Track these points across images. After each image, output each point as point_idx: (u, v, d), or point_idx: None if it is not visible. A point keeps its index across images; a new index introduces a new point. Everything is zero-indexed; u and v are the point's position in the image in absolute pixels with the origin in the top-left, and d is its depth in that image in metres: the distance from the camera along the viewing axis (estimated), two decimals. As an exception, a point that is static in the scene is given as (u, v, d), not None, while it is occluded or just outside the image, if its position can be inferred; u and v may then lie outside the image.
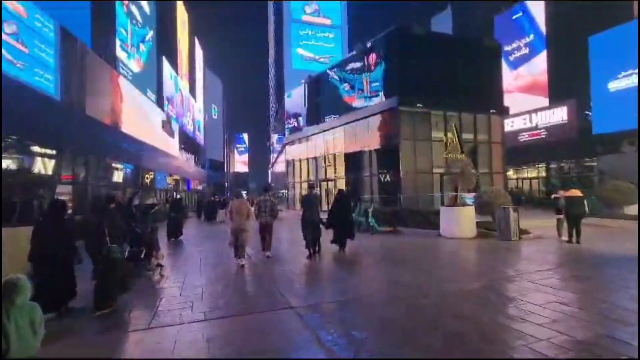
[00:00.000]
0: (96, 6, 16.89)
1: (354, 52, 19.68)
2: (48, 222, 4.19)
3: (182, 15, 38.15)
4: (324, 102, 22.73)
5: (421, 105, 15.96)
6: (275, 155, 50.03)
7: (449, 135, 16.53)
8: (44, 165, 12.72)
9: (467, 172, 9.94)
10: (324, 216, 8.18)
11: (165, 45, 30.47)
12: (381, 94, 17.18)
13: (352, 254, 7.97)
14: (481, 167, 16.71)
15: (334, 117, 20.98)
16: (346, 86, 20.24)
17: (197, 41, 46.86)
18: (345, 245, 8.05)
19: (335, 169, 20.90)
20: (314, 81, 23.82)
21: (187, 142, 38.71)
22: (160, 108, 27.77)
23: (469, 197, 12.28)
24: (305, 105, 25.38)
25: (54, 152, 13.26)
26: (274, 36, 54.11)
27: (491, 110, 17.56)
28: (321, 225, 7.85)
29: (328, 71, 22.39)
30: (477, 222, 9.89)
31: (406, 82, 16.03)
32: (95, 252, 4.90)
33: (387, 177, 16.62)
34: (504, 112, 18.29)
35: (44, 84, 12.66)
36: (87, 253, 5.16)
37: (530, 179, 29.30)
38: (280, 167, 42.52)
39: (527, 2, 31.25)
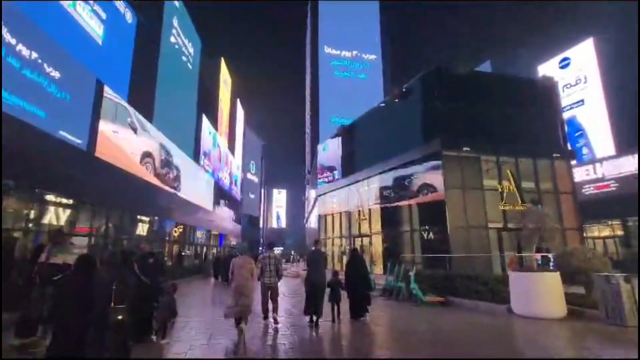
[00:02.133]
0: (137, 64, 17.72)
1: (390, 96, 18.57)
2: (73, 278, 3.94)
3: (224, 75, 40.65)
4: (358, 151, 21.39)
5: (468, 149, 13.87)
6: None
7: (505, 183, 13.99)
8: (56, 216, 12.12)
9: (549, 225, 7.33)
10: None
11: (206, 103, 32.00)
12: (421, 139, 15.42)
13: (386, 331, 5.69)
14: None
15: (368, 168, 19.32)
16: (381, 133, 18.84)
17: (238, 102, 49.77)
18: (361, 315, 6.83)
19: (370, 223, 18.67)
20: (348, 130, 22.83)
21: (223, 197, 38.78)
22: (196, 162, 28.12)
23: (541, 260, 9.43)
24: (339, 156, 24.21)
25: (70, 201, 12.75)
26: (310, 87, 55.95)
27: (554, 155, 14.92)
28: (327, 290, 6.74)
29: (362, 119, 21.40)
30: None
31: (450, 124, 14.23)
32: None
33: (432, 233, 14.09)
34: (570, 156, 15.52)
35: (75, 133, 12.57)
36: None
37: (603, 238, 24.53)
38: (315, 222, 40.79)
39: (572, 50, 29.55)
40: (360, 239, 19.46)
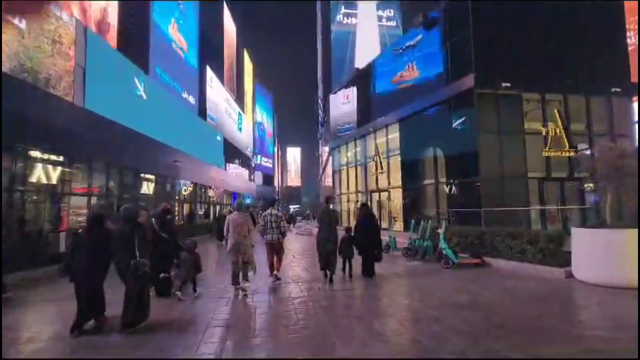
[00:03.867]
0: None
1: (413, 27, 15.94)
2: (87, 235, 4.09)
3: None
4: (375, 98, 19.17)
5: (508, 85, 11.65)
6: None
7: (550, 125, 11.88)
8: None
9: (631, 168, 5.44)
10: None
11: (209, 53, 29.80)
12: (449, 76, 13.17)
13: (408, 298, 4.37)
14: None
15: (387, 115, 17.26)
16: (403, 73, 16.48)
17: (245, 53, 46.82)
18: (373, 274, 6.79)
19: (389, 177, 17.08)
20: (364, 75, 20.44)
21: (235, 154, 37.70)
22: (201, 117, 26.60)
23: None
24: (354, 106, 22.09)
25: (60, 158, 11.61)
26: (321, 33, 51.54)
27: (613, 89, 12.48)
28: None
29: (379, 60, 18.92)
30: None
31: (485, 56, 11.84)
32: (124, 267, 4.25)
33: (460, 185, 12.43)
34: (632, 91, 12.99)
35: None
36: (115, 267, 4.36)
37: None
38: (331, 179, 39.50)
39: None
40: (377, 193, 18.04)
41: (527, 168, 11.67)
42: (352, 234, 7.02)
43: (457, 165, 12.70)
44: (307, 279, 6.99)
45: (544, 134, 11.82)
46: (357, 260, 6.87)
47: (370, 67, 19.97)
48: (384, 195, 17.48)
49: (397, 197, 16.50)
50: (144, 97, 16.81)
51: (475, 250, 8.13)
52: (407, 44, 16.16)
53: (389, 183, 16.98)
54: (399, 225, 15.01)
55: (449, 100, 12.78)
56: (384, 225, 17.05)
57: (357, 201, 20.12)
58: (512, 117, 11.90)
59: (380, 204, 17.81)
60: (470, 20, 12.04)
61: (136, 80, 16.15)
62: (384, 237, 12.09)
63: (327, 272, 6.47)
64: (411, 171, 15.49)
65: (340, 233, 6.92)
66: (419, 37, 15.39)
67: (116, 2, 15.34)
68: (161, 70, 20.10)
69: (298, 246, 12.79)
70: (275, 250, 6.54)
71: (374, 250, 6.92)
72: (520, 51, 12.11)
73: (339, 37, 51.42)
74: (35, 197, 10.69)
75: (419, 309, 4.73)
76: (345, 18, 53.12)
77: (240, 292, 5.57)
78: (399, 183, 16.20)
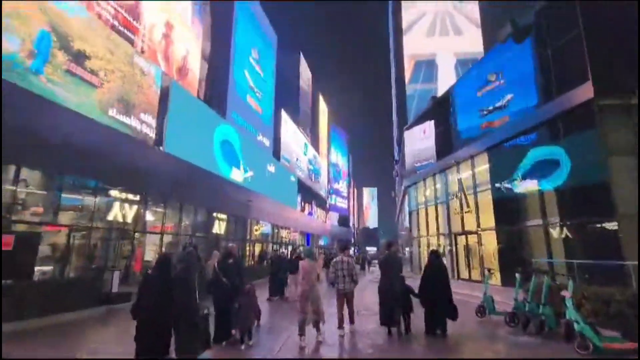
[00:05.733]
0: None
1: (499, 40, 13.84)
2: (154, 276, 4.19)
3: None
4: (456, 126, 16.97)
5: (645, 92, 8.69)
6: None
7: None
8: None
9: None
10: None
11: (284, 97, 31.34)
12: (553, 90, 10.63)
13: None
14: None
15: (471, 145, 14.87)
16: (487, 94, 14.23)
17: (321, 97, 48.67)
18: (438, 329, 5.95)
19: (478, 216, 14.25)
20: (440, 103, 18.55)
21: (309, 195, 37.75)
22: (276, 158, 27.26)
23: None
24: (432, 140, 20.07)
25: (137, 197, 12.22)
26: (395, 67, 50.67)
27: None
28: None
29: (459, 83, 16.97)
30: None
31: (605, 59, 9.19)
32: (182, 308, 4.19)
33: (582, 227, 9.32)
34: None
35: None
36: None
37: None
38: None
39: None
40: (464, 237, 15.15)
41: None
42: (420, 285, 6.41)
43: (575, 200, 9.67)
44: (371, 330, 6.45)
45: None
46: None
47: (448, 95, 18.06)
48: (473, 238, 14.54)
49: (490, 241, 13.48)
50: (220, 140, 17.60)
51: (629, 327, 5.33)
52: (499, 60, 14.02)
53: (478, 224, 14.10)
54: (494, 279, 11.96)
55: (556, 118, 10.13)
56: (475, 277, 13.97)
57: (439, 245, 17.31)
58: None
59: (468, 249, 14.84)
60: (579, 17, 9.63)
61: (213, 125, 17.05)
62: (476, 294, 9.63)
63: (390, 327, 6.07)
64: (507, 209, 12.58)
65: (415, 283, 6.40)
66: (506, 51, 13.24)
67: (198, 50, 16.80)
68: (237, 115, 21.25)
69: (368, 296, 10.85)
70: (347, 299, 6.24)
71: (443, 305, 6.09)
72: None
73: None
74: (111, 235, 11.18)
75: None
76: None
77: (303, 340, 5.37)
78: (492, 224, 13.28)
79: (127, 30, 11.91)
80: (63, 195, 9.29)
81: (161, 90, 13.04)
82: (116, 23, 11.40)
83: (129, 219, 11.59)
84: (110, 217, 10.88)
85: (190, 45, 16.20)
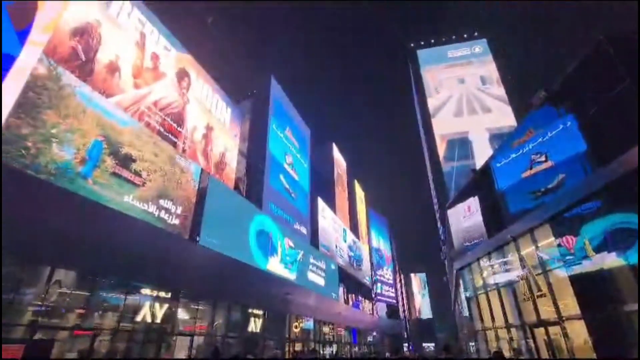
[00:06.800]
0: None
1: (535, 105, 13.45)
2: None
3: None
4: (507, 194, 15.61)
5: None
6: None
7: None
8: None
9: None
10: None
11: (319, 185, 31.94)
12: (616, 143, 9.53)
13: None
14: None
15: (528, 216, 13.33)
16: (539, 155, 13.35)
17: (356, 183, 49.32)
18: None
19: (554, 301, 11.78)
20: (483, 173, 17.54)
21: (353, 285, 35.16)
22: (314, 246, 26.36)
23: None
24: (479, 216, 18.56)
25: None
26: (426, 143, 50.77)
27: None
28: None
29: (501, 150, 16.22)
30: None
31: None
32: None
33: None
34: None
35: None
36: None
37: None
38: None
39: None
40: (542, 328, 12.37)
41: None
42: None
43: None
44: None
45: None
46: None
47: (488, 168, 17.18)
48: (555, 330, 11.77)
49: (578, 332, 10.77)
50: (256, 230, 17.48)
51: None
52: (537, 128, 13.59)
53: (559, 311, 11.55)
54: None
55: (631, 174, 8.78)
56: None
57: (511, 339, 14.28)
58: None
59: (550, 344, 11.93)
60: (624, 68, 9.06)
61: (250, 217, 17.18)
62: None
63: None
64: (593, 290, 10.29)
65: None
66: (545, 127, 12.82)
67: (235, 147, 17.97)
68: (274, 206, 21.51)
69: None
70: None
71: None
72: None
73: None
74: (140, 336, 10.43)
75: None
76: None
77: None
78: (577, 310, 10.79)
79: (171, 135, 13.16)
80: (92, 295, 9.04)
81: (199, 187, 13.63)
82: (162, 129, 12.66)
83: (158, 319, 10.92)
84: (138, 318, 10.32)
85: (228, 143, 17.52)
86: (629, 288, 9.12)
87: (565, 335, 11.14)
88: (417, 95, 48.60)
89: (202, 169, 13.98)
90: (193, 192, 13.13)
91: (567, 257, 11.21)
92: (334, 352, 24.59)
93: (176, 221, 12.05)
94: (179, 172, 12.57)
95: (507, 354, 13.70)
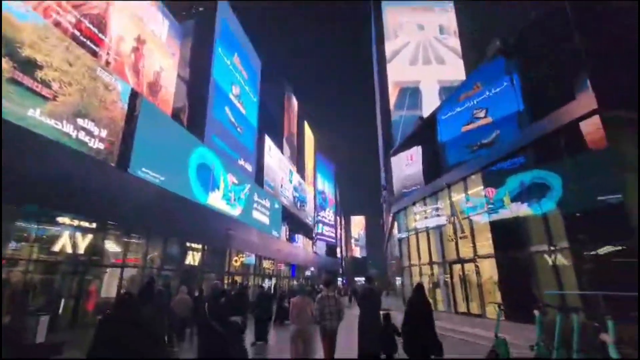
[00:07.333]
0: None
1: (489, 56, 13.60)
2: (115, 318, 3.41)
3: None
4: (446, 146, 16.34)
5: (652, 104, 8.08)
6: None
7: None
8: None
9: None
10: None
11: (267, 123, 30.68)
12: (544, 103, 10.03)
13: None
14: None
15: (463, 165, 14.17)
16: (480, 111, 13.84)
17: (306, 124, 48.46)
18: None
19: (473, 243, 13.19)
20: (429, 123, 18.01)
21: (294, 224, 36.22)
22: (259, 184, 25.99)
23: None
24: (420, 165, 19.38)
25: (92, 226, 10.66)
26: (379, 85, 50.78)
27: None
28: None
29: (448, 101, 16.58)
30: None
31: (607, 71, 8.65)
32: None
33: (595, 252, 8.33)
34: None
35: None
36: None
37: None
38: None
39: None
40: (459, 265, 13.97)
41: None
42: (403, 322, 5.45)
43: (585, 223, 8.75)
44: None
45: None
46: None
47: (434, 120, 17.59)
48: (470, 267, 13.37)
49: (488, 269, 12.35)
50: (196, 163, 16.36)
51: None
52: (488, 78, 13.89)
53: (475, 251, 13.01)
54: (490, 312, 10.69)
55: (559, 131, 9.42)
56: (474, 310, 12.68)
57: (432, 274, 16.05)
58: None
59: (465, 279, 13.63)
60: (576, 27, 9.19)
61: (189, 148, 15.87)
62: (478, 331, 8.52)
63: None
64: (507, 234, 11.59)
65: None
66: (491, 84, 13.05)
67: (174, 69, 15.91)
68: (218, 139, 20.19)
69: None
70: (331, 339, 5.62)
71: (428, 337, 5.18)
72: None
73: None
74: (58, 268, 9.55)
75: None
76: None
77: None
78: (490, 250, 12.21)
79: (90, 42, 10.95)
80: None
81: (129, 109, 11.93)
82: (77, 33, 10.43)
83: (81, 250, 10.02)
84: (56, 248, 9.33)
85: (164, 62, 15.35)
86: (536, 233, 10.35)
87: (477, 272, 12.69)
88: (376, 36, 46.89)
89: (132, 89, 12.15)
90: (121, 114, 11.50)
91: (490, 206, 12.32)
92: (273, 285, 25.82)
93: (100, 145, 10.59)
94: (102, 88, 10.75)
95: (427, 286, 15.41)
